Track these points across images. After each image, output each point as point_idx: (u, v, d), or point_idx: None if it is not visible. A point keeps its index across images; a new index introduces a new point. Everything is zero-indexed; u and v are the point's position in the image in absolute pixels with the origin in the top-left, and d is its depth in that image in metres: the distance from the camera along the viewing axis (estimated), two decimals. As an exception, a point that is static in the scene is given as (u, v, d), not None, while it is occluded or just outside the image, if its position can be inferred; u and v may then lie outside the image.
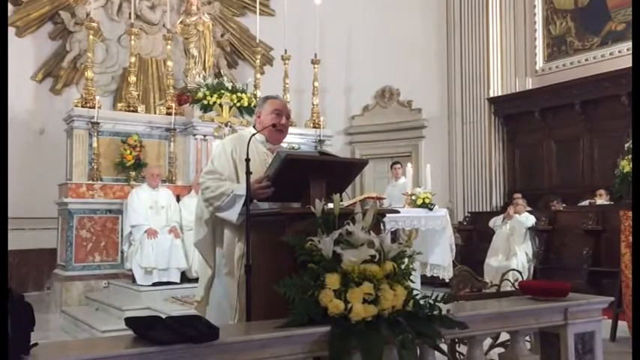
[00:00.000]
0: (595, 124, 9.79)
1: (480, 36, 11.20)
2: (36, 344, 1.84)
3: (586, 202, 9.09)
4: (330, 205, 2.58)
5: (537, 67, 10.91)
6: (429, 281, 7.51)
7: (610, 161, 8.75)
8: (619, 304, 5.17)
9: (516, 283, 3.27)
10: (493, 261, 8.57)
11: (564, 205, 9.32)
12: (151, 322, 2.03)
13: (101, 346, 2.07)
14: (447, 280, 7.11)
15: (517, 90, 11.03)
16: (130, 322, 2.06)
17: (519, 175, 11.00)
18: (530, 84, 10.94)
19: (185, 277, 7.61)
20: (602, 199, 8.80)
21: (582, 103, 9.81)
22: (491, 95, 11.09)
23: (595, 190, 9.04)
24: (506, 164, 11.14)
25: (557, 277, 7.68)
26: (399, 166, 9.36)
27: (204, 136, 8.90)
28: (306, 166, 2.86)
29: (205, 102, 8.80)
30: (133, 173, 8.51)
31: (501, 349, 3.13)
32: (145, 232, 7.52)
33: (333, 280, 2.30)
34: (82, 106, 8.39)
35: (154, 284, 7.38)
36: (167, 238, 7.59)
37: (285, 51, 10.34)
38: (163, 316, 2.12)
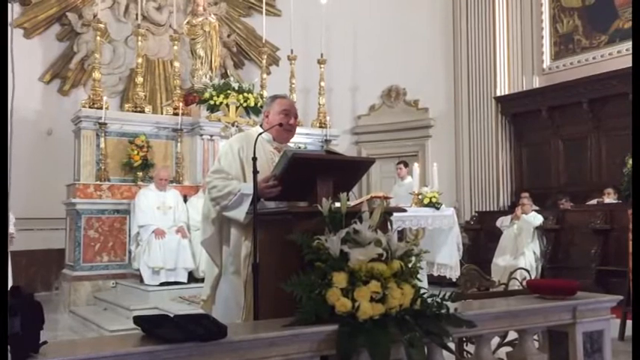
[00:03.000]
0: (603, 123, 9.74)
1: (486, 35, 11.16)
2: (45, 342, 1.85)
3: (594, 201, 9.04)
4: (337, 204, 2.58)
5: (544, 66, 10.86)
6: (436, 281, 7.50)
7: (618, 160, 8.70)
8: (628, 302, 5.14)
9: (524, 282, 3.26)
10: (501, 260, 8.54)
11: (572, 203, 9.28)
12: (159, 321, 2.04)
13: (110, 345, 2.08)
14: (454, 280, 7.10)
15: (524, 89, 10.98)
16: (139, 320, 2.07)
17: (527, 174, 10.95)
18: (537, 82, 10.89)
19: (192, 277, 7.63)
20: (610, 198, 8.74)
21: (590, 101, 9.75)
22: (498, 94, 11.05)
23: (603, 189, 8.99)
24: (513, 163, 11.10)
25: (565, 277, 7.64)
26: (401, 165, 9.33)
27: (211, 136, 8.93)
28: (313, 165, 2.86)
29: (212, 102, 8.83)
30: (140, 173, 8.54)
31: (509, 348, 3.12)
32: (153, 232, 7.54)
33: (340, 279, 2.30)
34: (90, 107, 8.44)
35: (162, 284, 7.41)
36: (174, 238, 7.61)
37: (292, 51, 10.35)
38: (171, 315, 2.13)
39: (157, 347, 1.93)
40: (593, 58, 10.07)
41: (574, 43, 10.46)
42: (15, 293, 1.80)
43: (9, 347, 1.63)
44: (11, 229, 7.14)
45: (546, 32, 10.85)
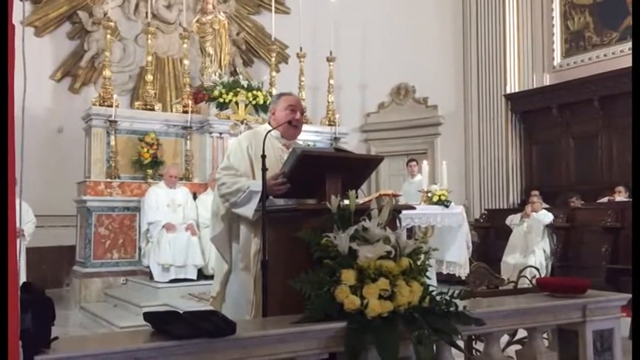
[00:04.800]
0: (613, 120, 9.66)
1: (496, 32, 11.10)
2: (56, 338, 1.86)
3: (605, 199, 8.98)
4: (346, 202, 2.58)
5: (555, 63, 10.78)
6: (445, 279, 7.48)
7: (629, 157, 8.64)
8: (638, 301, 5.10)
9: (534, 280, 3.24)
10: (510, 259, 8.51)
11: (582, 202, 9.22)
12: (168, 317, 2.05)
13: (120, 341, 2.10)
14: (464, 278, 7.08)
15: (534, 86, 10.91)
16: (149, 316, 2.08)
17: (537, 172, 10.89)
18: (547, 80, 10.82)
19: (202, 274, 7.66)
20: (621, 196, 8.68)
21: (601, 98, 9.68)
22: (508, 92, 10.99)
23: (614, 187, 8.93)
24: (523, 161, 11.04)
25: (575, 275, 7.60)
26: (414, 163, 9.34)
27: (221, 133, 8.95)
28: (322, 163, 2.86)
29: (221, 100, 8.84)
30: (150, 171, 8.57)
31: (519, 346, 3.11)
32: (163, 227, 7.57)
33: (349, 276, 2.30)
34: (100, 105, 8.48)
35: (171, 281, 7.44)
36: (184, 236, 7.64)
37: (301, 49, 10.35)
38: (181, 312, 2.14)
39: (166, 343, 1.95)
40: (604, 55, 9.99)
41: (585, 41, 10.38)
42: (26, 289, 1.82)
43: (20, 342, 1.64)
44: (30, 228, 7.21)
45: (557, 29, 10.78)
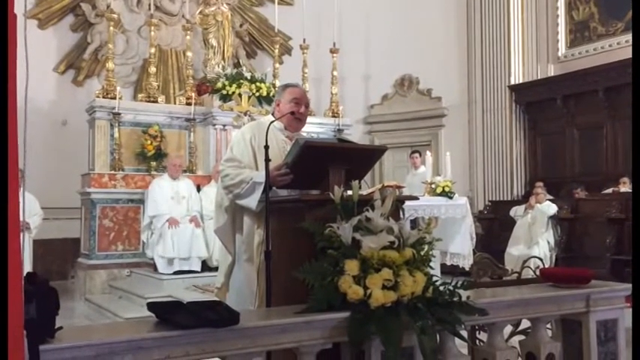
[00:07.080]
0: (618, 111, 9.61)
1: (500, 22, 11.04)
2: (61, 328, 1.87)
3: (609, 190, 8.96)
4: (349, 192, 2.58)
5: (560, 54, 10.73)
6: (448, 270, 7.48)
7: (634, 148, 8.60)
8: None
9: (537, 271, 3.24)
10: (514, 250, 8.50)
11: (587, 193, 9.20)
12: (173, 307, 2.06)
13: (125, 330, 2.11)
14: (467, 269, 7.09)
15: (539, 77, 10.87)
16: (153, 306, 2.09)
17: (541, 163, 10.87)
18: (552, 71, 10.77)
19: (206, 266, 7.69)
20: (625, 187, 8.65)
21: (605, 89, 9.63)
22: (513, 82, 10.95)
23: (618, 178, 8.90)
24: (527, 152, 11.01)
25: (579, 266, 7.57)
26: (417, 155, 9.33)
27: (224, 125, 8.95)
28: (325, 153, 2.85)
29: (224, 92, 8.85)
30: (154, 163, 8.60)
31: (522, 337, 3.11)
32: (167, 221, 7.58)
33: (352, 266, 2.30)
34: (104, 97, 8.50)
35: (176, 273, 7.47)
36: (188, 228, 7.66)
37: (304, 40, 10.32)
38: (185, 302, 2.15)
39: (170, 333, 1.96)
40: (609, 45, 9.93)
41: (590, 31, 10.32)
42: (31, 279, 1.82)
43: (25, 332, 1.65)
44: (37, 221, 7.24)
45: (562, 20, 10.71)
